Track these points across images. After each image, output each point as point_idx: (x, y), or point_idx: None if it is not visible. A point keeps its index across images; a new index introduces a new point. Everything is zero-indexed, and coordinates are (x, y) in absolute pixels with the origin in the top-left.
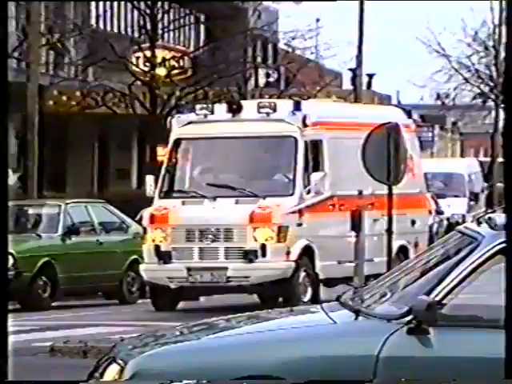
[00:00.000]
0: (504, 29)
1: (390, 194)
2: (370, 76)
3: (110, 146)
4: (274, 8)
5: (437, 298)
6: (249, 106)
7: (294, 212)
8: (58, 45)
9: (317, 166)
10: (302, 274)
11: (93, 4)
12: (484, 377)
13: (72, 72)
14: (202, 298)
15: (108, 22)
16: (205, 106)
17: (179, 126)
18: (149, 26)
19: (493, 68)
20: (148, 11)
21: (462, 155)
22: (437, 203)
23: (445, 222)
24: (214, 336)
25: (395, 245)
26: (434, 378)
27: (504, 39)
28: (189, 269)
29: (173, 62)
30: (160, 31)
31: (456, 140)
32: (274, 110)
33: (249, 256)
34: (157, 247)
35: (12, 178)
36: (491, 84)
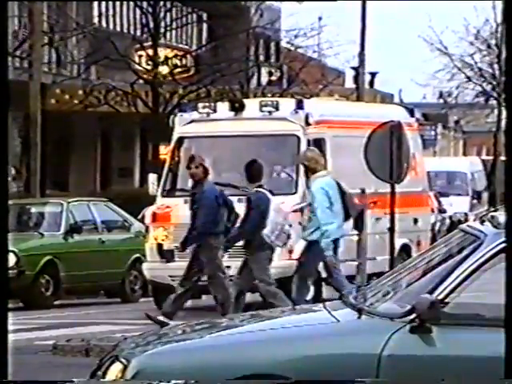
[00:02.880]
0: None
1: (393, 193)
2: (373, 74)
3: (113, 144)
4: (277, 6)
5: (440, 297)
6: (251, 105)
7: (296, 210)
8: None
9: None
10: None
11: (95, 3)
12: (487, 375)
13: (74, 70)
14: (204, 297)
15: (110, 21)
16: (207, 104)
17: (182, 125)
18: (151, 25)
19: (495, 66)
20: (150, 10)
21: (464, 154)
22: (439, 202)
23: (447, 221)
24: (216, 335)
25: (398, 243)
26: (437, 376)
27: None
28: None
29: (175, 61)
30: (162, 30)
31: (458, 138)
32: (277, 108)
33: None
34: (159, 246)
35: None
36: (494, 82)
